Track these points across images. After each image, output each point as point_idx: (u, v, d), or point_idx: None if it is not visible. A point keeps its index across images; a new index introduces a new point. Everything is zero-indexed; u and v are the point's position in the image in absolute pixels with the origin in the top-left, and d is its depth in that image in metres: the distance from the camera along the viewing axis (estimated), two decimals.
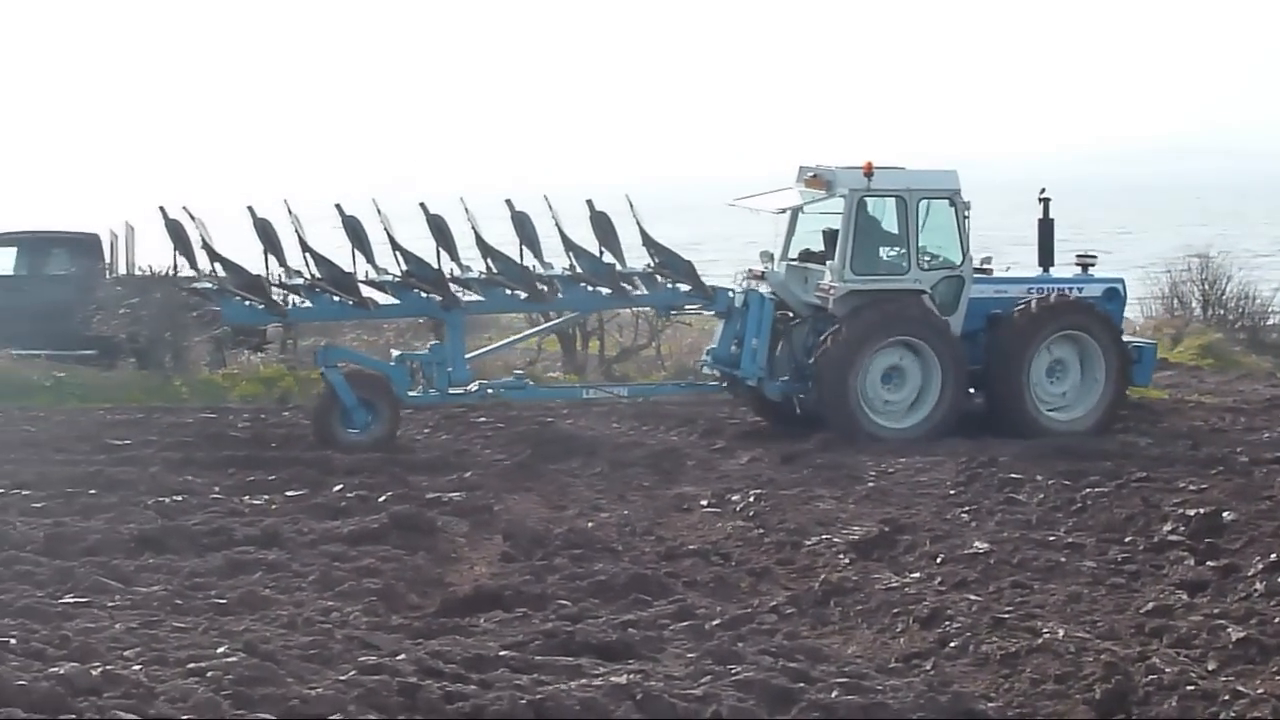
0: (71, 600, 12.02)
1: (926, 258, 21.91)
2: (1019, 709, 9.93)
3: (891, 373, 21.60)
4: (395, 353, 22.77)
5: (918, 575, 13.17)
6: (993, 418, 21.68)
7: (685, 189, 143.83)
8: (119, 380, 26.46)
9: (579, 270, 21.88)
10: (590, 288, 22.17)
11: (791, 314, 22.41)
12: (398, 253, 21.65)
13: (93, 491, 16.61)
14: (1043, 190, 22.75)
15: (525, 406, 23.27)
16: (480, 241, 21.65)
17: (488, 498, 17.00)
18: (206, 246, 21.19)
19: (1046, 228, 23.04)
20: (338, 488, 16.93)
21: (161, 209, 21.46)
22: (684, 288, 22.29)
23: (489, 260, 21.69)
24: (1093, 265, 23.33)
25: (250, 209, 21.39)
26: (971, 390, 21.99)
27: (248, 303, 21.38)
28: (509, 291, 21.81)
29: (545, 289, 21.81)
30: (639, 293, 22.53)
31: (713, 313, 22.91)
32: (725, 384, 22.81)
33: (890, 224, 21.97)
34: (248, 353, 28.91)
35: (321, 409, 21.43)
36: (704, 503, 16.97)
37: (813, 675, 10.17)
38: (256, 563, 13.36)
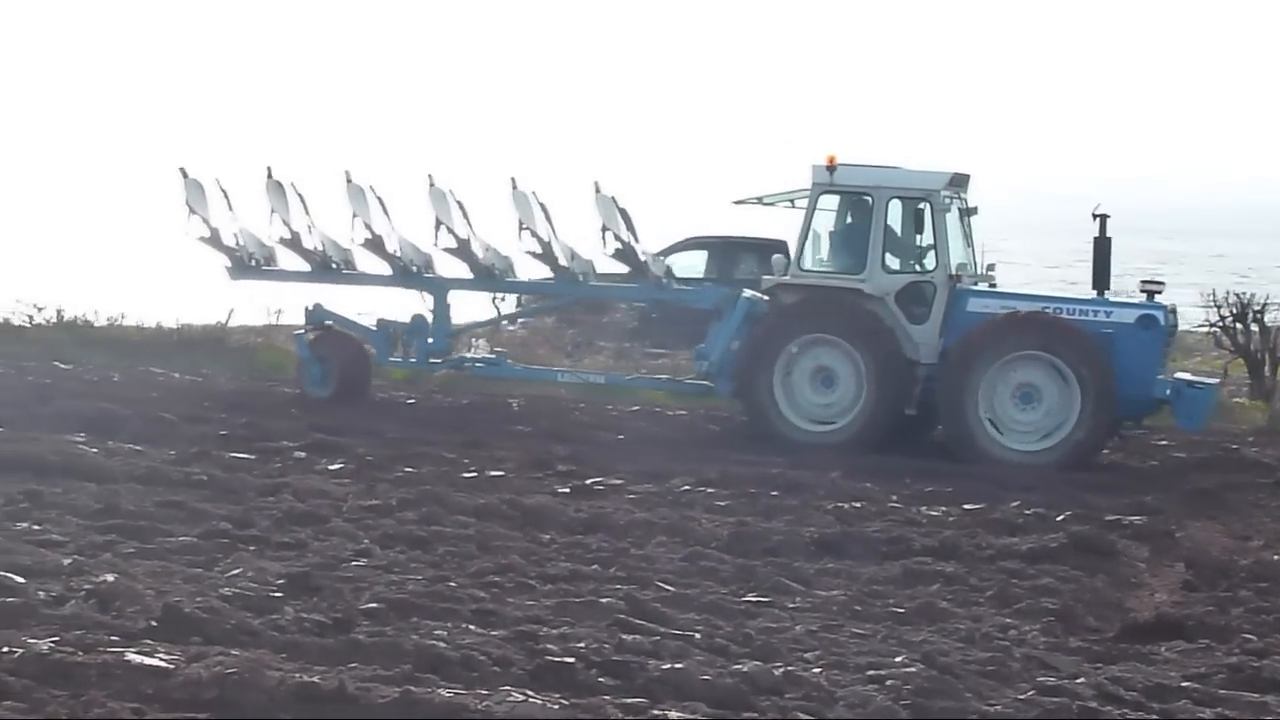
0: (754, 599, 12.30)
1: (894, 260, 20.85)
2: None
3: (824, 374, 20.71)
4: (378, 318, 24.06)
5: None
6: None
7: None
8: None
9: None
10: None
11: None
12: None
13: (774, 493, 16.95)
14: (1097, 206, 20.97)
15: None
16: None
17: (1169, 523, 16.55)
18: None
19: (1102, 247, 21.14)
20: (1014, 504, 16.76)
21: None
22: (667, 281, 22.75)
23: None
24: (1159, 294, 20.96)
25: None
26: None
27: None
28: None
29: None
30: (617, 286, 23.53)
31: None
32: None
33: (874, 225, 20.82)
34: None
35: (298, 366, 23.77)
36: None
37: None
38: (934, 574, 13.35)
